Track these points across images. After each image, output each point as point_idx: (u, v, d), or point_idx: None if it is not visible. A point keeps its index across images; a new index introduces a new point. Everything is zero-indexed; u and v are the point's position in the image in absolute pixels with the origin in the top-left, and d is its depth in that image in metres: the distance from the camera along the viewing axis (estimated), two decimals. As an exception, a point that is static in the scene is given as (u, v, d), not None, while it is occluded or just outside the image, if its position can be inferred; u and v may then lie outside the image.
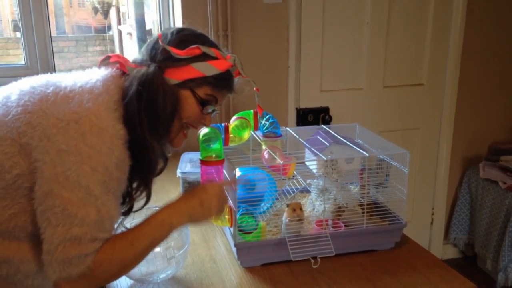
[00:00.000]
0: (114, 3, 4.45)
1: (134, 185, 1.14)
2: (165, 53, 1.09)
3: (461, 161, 2.95)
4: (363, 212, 1.43)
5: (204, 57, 1.10)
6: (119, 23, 4.60)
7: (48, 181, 0.95)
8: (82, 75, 1.08)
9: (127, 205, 1.17)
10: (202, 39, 1.13)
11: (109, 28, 4.83)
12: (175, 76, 1.08)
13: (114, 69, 1.10)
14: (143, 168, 1.08)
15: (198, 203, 1.11)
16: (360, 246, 1.43)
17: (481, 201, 2.77)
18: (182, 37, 1.12)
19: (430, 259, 1.42)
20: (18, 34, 2.28)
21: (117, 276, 1.07)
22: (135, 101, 1.03)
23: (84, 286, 0.99)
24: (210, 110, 1.15)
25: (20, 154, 0.97)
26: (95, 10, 4.68)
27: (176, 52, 1.08)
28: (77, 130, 0.97)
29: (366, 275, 1.32)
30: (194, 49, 1.09)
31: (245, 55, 2.35)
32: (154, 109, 1.04)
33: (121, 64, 1.10)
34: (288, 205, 1.36)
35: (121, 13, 4.60)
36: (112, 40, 4.92)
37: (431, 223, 3.02)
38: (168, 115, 1.07)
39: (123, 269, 1.05)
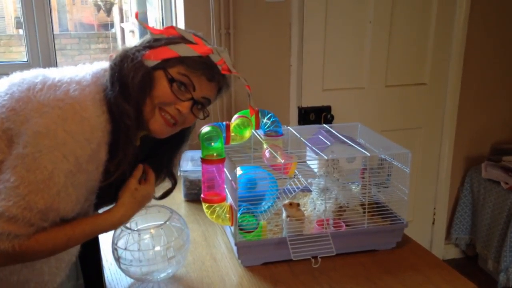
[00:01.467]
0: (116, 1, 4.45)
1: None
2: (147, 40, 1.14)
3: (463, 161, 2.94)
4: (364, 212, 1.43)
5: (182, 40, 1.13)
6: (121, 20, 4.60)
7: (15, 158, 0.95)
8: (73, 69, 1.10)
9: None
10: (184, 29, 1.17)
11: (112, 25, 4.83)
12: (152, 57, 1.10)
13: (108, 63, 1.11)
14: (121, 143, 1.06)
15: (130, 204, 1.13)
16: (361, 246, 1.43)
17: (483, 201, 2.77)
18: (167, 27, 1.16)
19: (431, 259, 1.41)
20: (21, 31, 2.28)
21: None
22: (110, 70, 1.07)
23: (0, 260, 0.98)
24: (181, 90, 1.11)
25: (2, 140, 0.98)
26: (98, 8, 4.69)
27: (150, 29, 1.13)
28: (59, 115, 0.97)
29: (367, 275, 1.32)
30: (169, 28, 1.14)
31: (247, 54, 2.35)
32: (124, 79, 1.06)
33: (111, 56, 1.12)
34: (283, 205, 1.36)
35: (123, 11, 4.60)
36: (114, 38, 4.92)
37: (433, 223, 3.02)
38: (137, 87, 1.06)
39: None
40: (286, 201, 1.37)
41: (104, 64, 1.12)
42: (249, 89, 1.26)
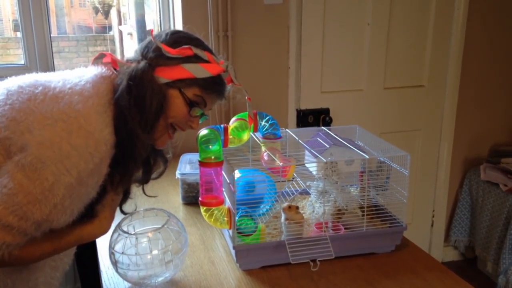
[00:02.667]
0: (114, 4, 4.45)
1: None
2: (157, 51, 1.10)
3: (462, 163, 2.94)
4: (363, 215, 1.42)
5: (196, 59, 1.11)
6: (119, 23, 4.60)
7: (15, 165, 0.94)
8: (70, 75, 1.07)
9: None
10: (196, 42, 1.13)
11: (110, 28, 4.83)
12: (165, 74, 1.08)
13: (105, 69, 1.09)
14: (127, 164, 1.07)
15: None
16: (360, 249, 1.42)
17: (482, 204, 2.76)
18: (176, 38, 1.12)
19: (430, 262, 1.41)
20: (19, 34, 2.27)
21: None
22: (125, 95, 1.04)
23: None
24: (198, 114, 1.14)
25: None
26: (96, 10, 4.68)
27: (167, 49, 1.09)
28: (64, 128, 0.96)
29: (366, 278, 1.31)
30: (186, 49, 1.10)
31: (246, 56, 2.35)
32: (141, 103, 1.04)
33: (113, 61, 1.10)
34: (283, 208, 1.36)
35: (121, 14, 4.60)
36: (112, 40, 4.91)
37: (432, 225, 3.01)
38: (154, 112, 1.06)
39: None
40: (285, 204, 1.36)
41: (99, 70, 1.08)
42: (249, 100, 1.27)
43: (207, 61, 1.12)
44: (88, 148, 0.97)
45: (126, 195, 1.22)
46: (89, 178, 0.99)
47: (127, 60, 1.13)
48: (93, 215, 1.11)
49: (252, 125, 1.44)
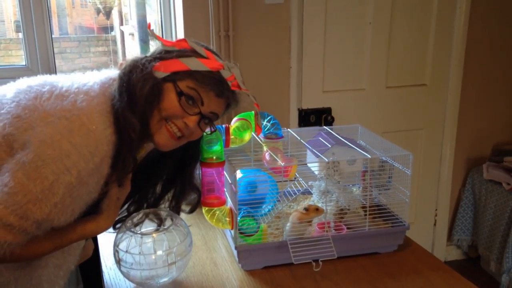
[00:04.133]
0: (116, 4, 4.45)
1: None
2: (158, 51, 1.13)
3: (465, 162, 2.93)
4: (365, 214, 1.42)
5: (192, 53, 1.12)
6: (121, 23, 4.60)
7: (16, 163, 0.94)
8: (81, 77, 1.08)
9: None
10: (194, 40, 1.15)
11: (111, 28, 4.83)
12: (162, 69, 1.09)
13: (116, 72, 1.11)
14: (122, 155, 1.06)
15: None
16: (362, 249, 1.42)
17: (485, 203, 2.75)
18: (179, 39, 1.15)
19: (433, 262, 1.40)
20: (20, 35, 2.27)
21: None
22: (119, 80, 1.06)
23: None
24: (189, 103, 1.10)
25: (2, 146, 0.97)
26: (97, 11, 4.68)
27: (163, 41, 1.12)
28: (66, 126, 0.96)
29: (369, 278, 1.31)
30: (181, 41, 1.13)
31: (247, 56, 2.34)
32: (133, 89, 1.05)
33: (121, 64, 1.11)
34: (307, 208, 1.36)
35: (123, 14, 4.60)
36: (114, 41, 4.92)
37: (434, 224, 3.00)
38: (144, 97, 1.05)
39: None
40: (299, 208, 1.36)
41: (112, 73, 1.11)
42: (258, 108, 1.26)
43: (204, 57, 1.12)
44: (88, 147, 0.97)
45: (131, 194, 1.21)
46: (90, 178, 0.99)
47: None
48: (97, 211, 1.11)
49: (253, 125, 1.44)
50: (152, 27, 2.61)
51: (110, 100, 1.04)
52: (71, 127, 0.96)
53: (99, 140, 0.99)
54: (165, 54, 1.12)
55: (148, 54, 1.13)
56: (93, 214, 1.11)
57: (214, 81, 1.12)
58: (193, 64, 1.10)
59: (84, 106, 0.99)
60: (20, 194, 0.93)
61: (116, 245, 1.24)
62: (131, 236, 1.23)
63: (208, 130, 1.20)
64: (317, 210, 1.38)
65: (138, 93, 1.05)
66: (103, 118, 1.00)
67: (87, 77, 1.09)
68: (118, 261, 1.24)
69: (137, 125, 1.04)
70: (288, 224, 1.38)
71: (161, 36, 1.27)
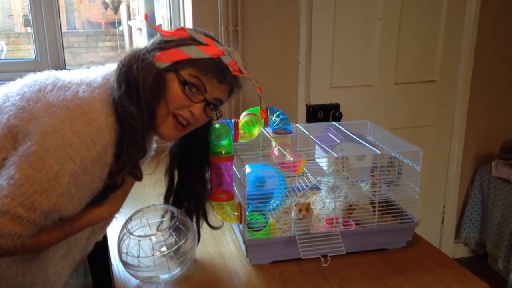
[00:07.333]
0: (124, -1, 4.45)
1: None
2: (158, 41, 1.13)
3: (473, 159, 2.91)
4: (374, 211, 1.41)
5: (192, 41, 1.12)
6: (129, 18, 4.60)
7: (21, 155, 0.95)
8: (85, 72, 1.10)
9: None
10: (194, 28, 1.16)
11: (119, 23, 4.83)
12: (162, 59, 1.09)
13: None
14: (125, 143, 1.05)
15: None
16: (371, 245, 1.41)
17: (493, 200, 2.74)
18: (177, 28, 1.16)
19: (443, 258, 1.40)
20: (29, 29, 2.28)
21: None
22: (117, 70, 1.06)
23: None
24: (192, 91, 1.11)
25: (7, 138, 0.98)
26: (105, 6, 4.69)
27: (161, 31, 1.12)
28: (67, 116, 0.97)
29: (377, 274, 1.30)
30: (179, 30, 1.13)
31: (255, 51, 2.34)
32: (134, 80, 1.05)
33: (121, 55, 1.12)
34: (296, 204, 1.35)
35: (131, 9, 4.60)
36: (122, 36, 4.92)
37: (442, 221, 2.99)
38: (149, 89, 1.05)
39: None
40: (295, 207, 1.35)
41: (116, 66, 1.11)
42: (260, 91, 1.25)
43: (204, 44, 1.12)
44: (91, 135, 0.97)
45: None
46: (93, 166, 1.00)
47: None
48: (105, 197, 1.12)
49: (263, 120, 1.43)
50: (160, 22, 2.61)
51: (112, 91, 1.05)
52: (73, 116, 0.97)
53: (101, 128, 0.99)
54: (164, 44, 1.12)
55: (148, 45, 1.13)
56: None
57: (216, 68, 1.12)
58: (193, 52, 1.10)
59: (86, 96, 1.00)
60: (26, 185, 0.94)
61: (119, 245, 1.24)
62: (134, 237, 1.22)
63: (214, 115, 1.20)
64: (307, 210, 1.35)
65: (141, 83, 1.05)
66: (105, 107, 1.01)
67: (91, 71, 1.11)
68: (124, 263, 1.24)
69: (135, 111, 1.04)
70: (292, 217, 1.37)
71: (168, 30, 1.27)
